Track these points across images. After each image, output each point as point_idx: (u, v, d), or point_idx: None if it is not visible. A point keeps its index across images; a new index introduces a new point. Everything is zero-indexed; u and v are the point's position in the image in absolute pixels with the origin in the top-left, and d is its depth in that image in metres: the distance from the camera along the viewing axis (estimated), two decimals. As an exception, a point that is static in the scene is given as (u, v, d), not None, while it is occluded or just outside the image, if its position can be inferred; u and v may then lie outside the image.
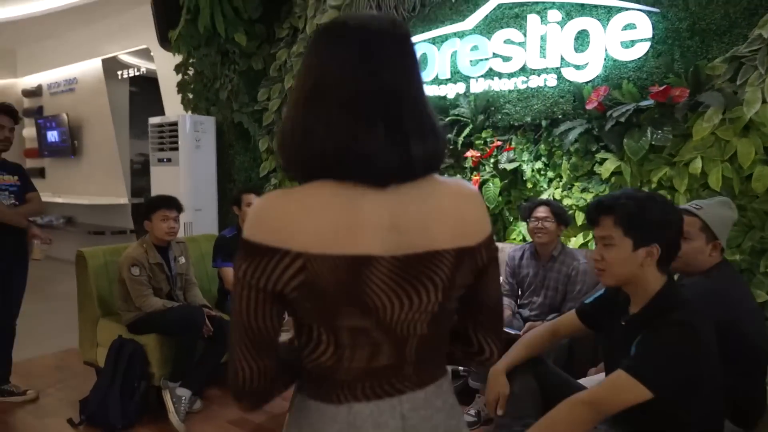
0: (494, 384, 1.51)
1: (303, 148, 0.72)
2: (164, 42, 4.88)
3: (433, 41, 3.76)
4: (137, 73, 6.83)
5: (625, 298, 1.43)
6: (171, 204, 2.77)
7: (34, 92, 8.02)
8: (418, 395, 0.77)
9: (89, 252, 2.99)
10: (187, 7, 4.42)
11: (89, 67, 7.09)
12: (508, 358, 1.54)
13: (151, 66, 6.51)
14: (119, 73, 6.94)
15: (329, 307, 0.70)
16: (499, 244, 3.37)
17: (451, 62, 3.68)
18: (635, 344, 1.29)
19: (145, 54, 6.48)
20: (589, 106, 3.08)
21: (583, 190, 3.24)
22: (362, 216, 0.70)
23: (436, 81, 3.76)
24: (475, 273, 0.78)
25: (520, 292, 2.83)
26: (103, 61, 6.84)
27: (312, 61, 0.75)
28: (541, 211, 2.76)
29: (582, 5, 3.19)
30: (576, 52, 3.22)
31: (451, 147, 3.68)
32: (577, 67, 3.22)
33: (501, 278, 2.87)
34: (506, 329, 2.59)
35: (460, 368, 2.68)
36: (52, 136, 7.57)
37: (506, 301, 2.77)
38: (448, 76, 3.70)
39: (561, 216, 2.76)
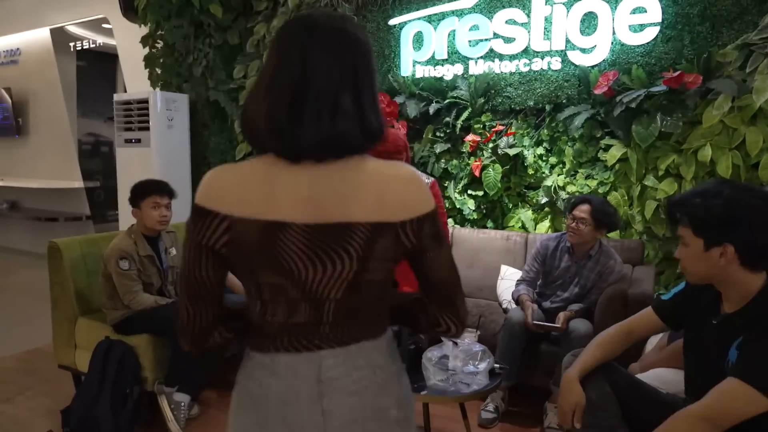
0: (568, 393, 1.40)
1: (243, 124, 0.85)
2: (128, 11, 4.48)
3: (429, 19, 3.58)
4: (91, 46, 6.29)
5: (714, 295, 1.35)
6: (162, 190, 2.51)
7: (-31, 64, 7.29)
8: (338, 352, 0.85)
9: (64, 243, 2.68)
10: (157, -26, 4.05)
11: (35, 37, 6.48)
12: (580, 363, 1.43)
13: (106, 39, 6.01)
14: (71, 45, 6.37)
15: (251, 265, 0.82)
16: (505, 233, 3.28)
17: (449, 42, 3.52)
18: (737, 347, 1.20)
19: (96, 25, 5.96)
20: (597, 91, 3.01)
21: (587, 177, 3.18)
22: (280, 187, 0.80)
23: (432, 61, 3.60)
24: (404, 251, 0.85)
25: (541, 281, 2.73)
26: (51, 31, 6.26)
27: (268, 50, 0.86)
28: (581, 211, 2.56)
29: (590, -14, 3.10)
30: (582, 34, 3.13)
31: (448, 131, 3.54)
32: (584, 51, 3.14)
33: (526, 265, 2.76)
34: (540, 322, 2.48)
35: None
36: (-9, 113, 6.91)
37: (524, 289, 2.67)
38: (446, 56, 3.55)
39: (602, 220, 2.53)
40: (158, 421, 2.40)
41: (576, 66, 3.16)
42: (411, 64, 3.67)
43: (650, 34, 2.96)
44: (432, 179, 2.61)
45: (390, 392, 0.89)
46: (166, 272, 2.58)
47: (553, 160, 3.29)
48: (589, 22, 3.11)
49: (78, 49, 6.38)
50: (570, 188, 3.21)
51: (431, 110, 3.54)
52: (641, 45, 3.00)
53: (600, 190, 3.13)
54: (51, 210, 6.42)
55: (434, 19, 3.57)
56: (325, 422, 0.85)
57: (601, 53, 3.09)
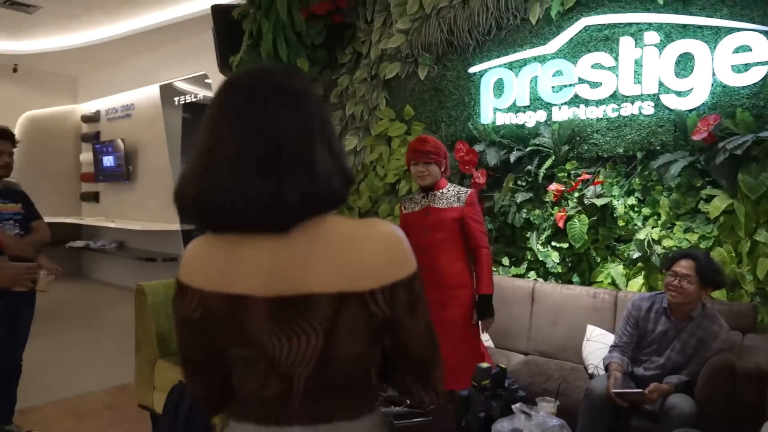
0: None
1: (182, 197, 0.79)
2: (224, 68, 4.80)
3: (510, 66, 3.52)
4: (193, 100, 6.82)
5: None
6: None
7: (92, 118, 8.17)
8: (307, 430, 0.79)
9: (149, 286, 2.82)
10: (250, 33, 4.33)
11: (147, 94, 7.15)
12: None
13: (208, 93, 6.50)
14: (176, 99, 6.96)
15: (222, 337, 0.80)
16: (591, 289, 3.04)
17: (531, 88, 3.42)
18: None
19: (201, 80, 6.47)
20: (695, 137, 2.76)
21: (687, 231, 2.89)
22: (242, 259, 0.77)
23: (513, 108, 3.50)
24: (378, 322, 0.77)
25: (637, 345, 2.46)
26: (161, 87, 6.88)
27: (205, 115, 0.81)
28: (683, 267, 2.30)
29: (684, 26, 2.90)
30: (677, 77, 2.92)
31: (530, 179, 3.40)
32: (679, 94, 2.91)
33: (618, 329, 2.52)
34: (619, 390, 2.24)
35: None
36: (108, 161, 7.64)
37: (617, 357, 2.40)
38: (527, 103, 3.44)
39: (708, 276, 2.27)
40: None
41: (671, 110, 2.94)
42: (492, 111, 3.60)
43: (757, 74, 2.69)
44: (470, 189, 2.58)
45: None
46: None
47: (646, 211, 3.03)
48: (684, 63, 2.90)
49: (182, 102, 6.94)
50: (666, 242, 2.93)
51: (512, 158, 3.43)
52: (746, 86, 2.73)
53: (702, 245, 2.83)
54: (152, 250, 6.89)
55: (515, 66, 3.50)
56: None
57: (699, 96, 2.85)
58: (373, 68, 4.16)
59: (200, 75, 6.24)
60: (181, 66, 6.49)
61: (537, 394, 2.24)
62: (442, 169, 2.54)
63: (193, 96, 6.82)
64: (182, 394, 2.46)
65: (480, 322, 2.54)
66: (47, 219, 3.00)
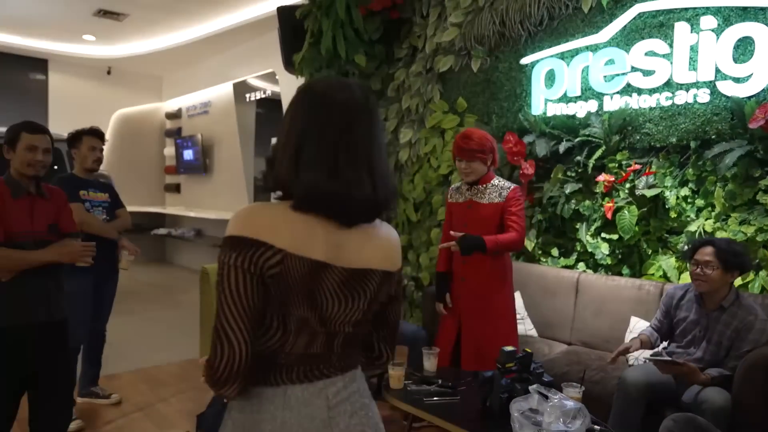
0: None
1: (297, 181, 0.91)
2: (288, 65, 5.07)
3: (562, 56, 3.49)
4: (263, 96, 7.19)
5: None
6: None
7: (175, 115, 8.80)
8: (339, 380, 0.97)
9: (212, 267, 3.08)
10: (311, 31, 4.55)
11: (222, 92, 7.62)
12: None
13: (276, 88, 6.83)
14: (247, 96, 7.36)
15: (288, 296, 0.89)
16: (637, 281, 2.99)
17: (582, 78, 3.39)
18: None
19: (270, 77, 6.82)
20: (752, 125, 2.65)
21: (743, 222, 2.78)
22: (319, 235, 0.91)
23: (564, 99, 3.48)
24: (389, 295, 1.03)
25: (672, 337, 2.44)
26: (234, 85, 7.31)
27: (297, 114, 0.96)
28: (704, 254, 2.28)
29: (744, 9, 2.78)
30: (735, 62, 2.80)
31: (579, 170, 3.37)
32: (737, 80, 2.80)
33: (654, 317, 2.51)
34: (657, 358, 2.20)
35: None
36: (188, 154, 8.22)
37: (647, 330, 2.42)
38: (578, 93, 3.41)
39: (730, 261, 2.24)
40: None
41: (728, 98, 2.83)
42: (542, 102, 3.59)
43: (823, 58, 2.54)
44: (514, 185, 2.55)
45: (374, 411, 1.04)
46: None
47: (700, 202, 2.94)
48: (743, 48, 2.78)
49: (252, 99, 7.33)
50: (720, 234, 2.83)
51: (561, 149, 3.41)
52: (811, 71, 2.58)
53: (759, 238, 2.71)
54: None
55: (567, 56, 3.47)
56: None
57: (758, 82, 2.73)
58: (428, 62, 4.25)
59: (269, 72, 6.57)
60: (251, 64, 6.87)
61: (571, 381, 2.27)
62: (489, 164, 2.53)
63: (263, 92, 7.19)
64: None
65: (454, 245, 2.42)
66: (135, 208, 3.39)
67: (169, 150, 8.83)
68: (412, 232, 4.37)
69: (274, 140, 3.98)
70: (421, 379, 2.32)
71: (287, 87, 5.93)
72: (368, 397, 1.03)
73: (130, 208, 3.33)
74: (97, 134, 3.02)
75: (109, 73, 8.74)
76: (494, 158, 2.55)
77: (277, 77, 6.42)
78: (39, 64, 8.18)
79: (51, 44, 7.75)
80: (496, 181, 2.55)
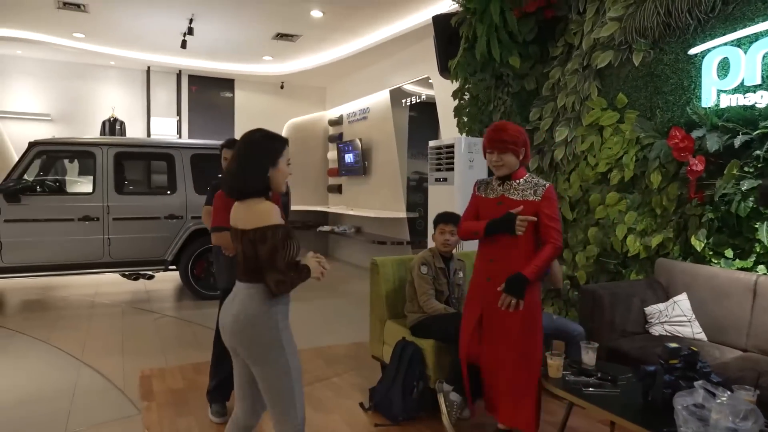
0: None
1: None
2: (443, 71, 5.32)
3: (738, 43, 3.26)
4: (418, 100, 7.56)
5: None
6: (449, 219, 3.07)
7: (337, 121, 9.59)
8: (239, 285, 1.81)
9: (381, 260, 3.44)
10: (466, 37, 4.74)
11: (379, 98, 8.15)
12: None
13: (431, 92, 7.15)
14: (403, 101, 7.79)
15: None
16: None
17: (763, 66, 3.14)
18: None
19: (424, 83, 7.15)
20: None
21: None
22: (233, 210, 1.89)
23: (741, 89, 3.24)
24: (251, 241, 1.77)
25: None
26: (391, 91, 7.78)
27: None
28: None
29: None
30: None
31: (759, 165, 3.13)
32: None
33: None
34: None
35: None
36: (349, 158, 8.91)
37: None
38: (758, 81, 3.16)
39: None
40: (436, 412, 2.86)
41: None
42: (714, 93, 3.38)
43: None
44: (548, 183, 2.42)
45: (236, 310, 1.79)
46: (452, 286, 3.10)
47: None
48: None
49: (408, 104, 7.74)
50: None
51: (737, 143, 3.19)
52: None
53: None
54: (382, 235, 7.87)
55: (744, 42, 3.23)
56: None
57: None
58: (584, 58, 4.20)
59: (424, 78, 6.91)
60: (407, 71, 7.26)
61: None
62: (521, 158, 2.38)
63: (417, 97, 7.56)
64: (405, 347, 3.01)
65: (503, 294, 2.31)
66: (302, 207, 3.90)
67: (332, 154, 9.65)
68: (568, 230, 4.35)
69: (432, 142, 4.35)
70: (580, 371, 2.39)
71: (441, 91, 6.20)
72: (245, 304, 1.77)
73: (298, 208, 3.83)
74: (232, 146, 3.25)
75: (282, 87, 9.82)
76: (527, 152, 2.40)
77: (431, 81, 6.72)
78: (227, 84, 9.49)
79: (237, 66, 8.95)
80: (529, 177, 2.41)
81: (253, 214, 1.76)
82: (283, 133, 9.54)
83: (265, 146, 1.79)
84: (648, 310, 3.26)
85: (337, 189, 9.59)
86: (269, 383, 1.77)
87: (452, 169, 4.81)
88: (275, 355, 1.76)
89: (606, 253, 4.00)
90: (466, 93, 5.26)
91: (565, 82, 4.35)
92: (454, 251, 3.20)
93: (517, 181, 2.38)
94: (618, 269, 3.93)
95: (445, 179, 4.91)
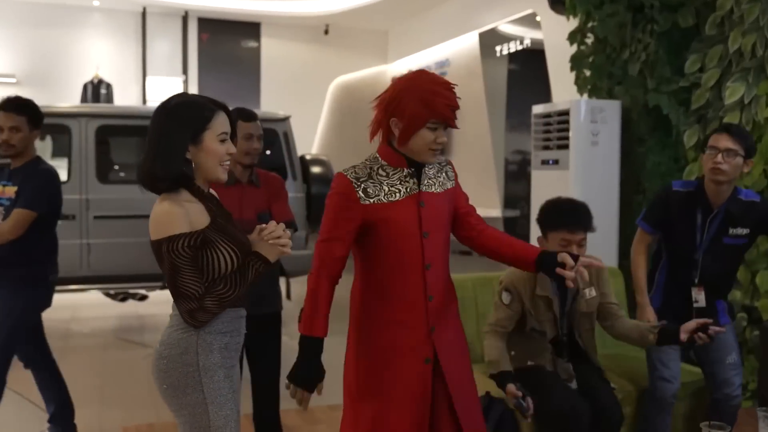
0: None
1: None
2: (555, 3, 5.20)
3: None
4: (519, 47, 7.44)
5: None
6: (577, 224, 2.73)
7: (404, 79, 9.60)
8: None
9: (458, 279, 3.38)
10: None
11: (464, 45, 8.09)
12: None
13: (538, 35, 7.01)
14: (498, 48, 7.69)
15: None
16: None
17: None
18: None
19: (529, 21, 7.02)
20: None
21: None
22: None
23: None
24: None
25: None
26: (480, 35, 7.71)
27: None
28: None
29: None
30: None
31: None
32: None
33: None
34: None
35: None
36: (420, 131, 8.89)
37: None
38: None
39: None
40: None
41: None
42: None
43: None
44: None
45: (164, 341, 1.84)
46: (561, 323, 2.93)
47: None
48: None
49: (504, 53, 7.63)
50: None
51: None
52: None
53: None
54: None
55: None
56: None
57: None
58: None
59: (528, 14, 6.79)
60: (503, 5, 7.17)
61: None
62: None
63: (519, 42, 7.45)
64: (489, 407, 2.96)
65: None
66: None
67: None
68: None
69: (537, 107, 4.19)
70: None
71: (553, 33, 6.07)
72: (170, 326, 1.85)
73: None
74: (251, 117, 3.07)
75: (326, 32, 9.97)
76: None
77: (538, 19, 6.60)
78: (251, 29, 9.74)
79: (264, 3, 9.16)
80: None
81: (152, 218, 1.76)
82: (328, 96, 9.68)
83: (181, 115, 1.78)
84: None
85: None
86: None
87: (567, 147, 4.69)
88: (189, 402, 1.80)
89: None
90: (590, 35, 5.13)
91: (740, 14, 4.15)
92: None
93: (428, 166, 2.20)
94: (822, 298, 3.71)
95: (556, 161, 4.79)
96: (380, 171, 2.15)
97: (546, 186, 4.89)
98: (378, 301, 2.13)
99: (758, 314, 4.01)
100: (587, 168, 4.67)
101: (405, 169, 2.14)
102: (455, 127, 2.07)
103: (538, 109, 5.01)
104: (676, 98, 4.49)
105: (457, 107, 2.07)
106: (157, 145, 1.77)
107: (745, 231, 2.82)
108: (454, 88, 2.09)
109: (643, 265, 3.05)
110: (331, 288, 2.09)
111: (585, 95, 5.16)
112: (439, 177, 2.22)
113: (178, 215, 1.72)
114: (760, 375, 3.36)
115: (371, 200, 2.09)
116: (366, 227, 2.08)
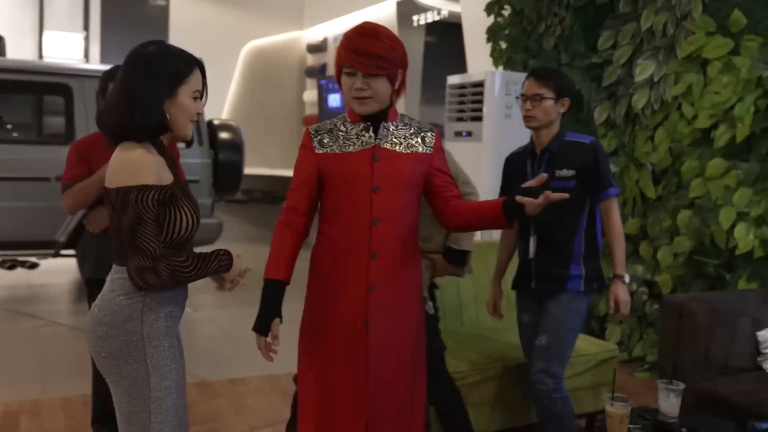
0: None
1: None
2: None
3: None
4: (437, 18, 7.40)
5: None
6: None
7: (319, 47, 9.45)
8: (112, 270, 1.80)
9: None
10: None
11: (381, 14, 8.00)
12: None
13: (455, 7, 6.98)
14: (415, 18, 7.64)
15: None
16: None
17: None
18: None
19: (447, -9, 6.99)
20: None
21: None
22: None
23: None
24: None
25: None
26: (398, 4, 7.63)
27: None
28: None
29: None
30: None
31: None
32: None
33: None
34: None
35: None
36: (334, 100, 8.78)
37: None
38: None
39: None
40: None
41: None
42: None
43: None
44: (434, 128, 2.30)
45: (103, 299, 1.76)
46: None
47: None
48: None
49: (423, 23, 7.59)
50: None
51: None
52: None
53: None
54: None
55: None
56: None
57: None
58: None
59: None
60: (423, -27, 7.09)
61: None
62: (396, 86, 2.16)
63: (436, 13, 7.41)
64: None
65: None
66: (264, 171, 3.75)
67: (310, 94, 9.53)
68: (648, 213, 4.24)
69: (452, 78, 4.11)
70: (655, 425, 2.32)
71: (471, 4, 6.04)
72: (101, 293, 1.77)
73: (256, 172, 3.70)
74: None
75: (239, -7, 9.65)
76: (404, 78, 2.18)
77: (457, -11, 6.56)
78: (159, -15, 9.33)
79: (174, -41, 8.78)
80: (405, 117, 2.25)
81: (118, 164, 1.71)
82: (240, 62, 9.41)
83: (160, 65, 1.73)
84: (763, 335, 3.18)
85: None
86: (119, 409, 1.77)
87: (480, 119, 4.68)
88: (129, 372, 1.74)
89: (703, 249, 3.92)
90: (506, 7, 5.13)
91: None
92: None
93: (394, 123, 2.18)
94: (720, 273, 3.87)
95: (469, 133, 4.78)
96: (341, 126, 2.19)
97: (459, 158, 4.84)
98: (327, 255, 2.16)
99: (659, 289, 4.13)
100: (501, 140, 4.67)
101: (362, 124, 2.14)
102: (366, 71, 2.02)
103: (453, 79, 4.98)
104: (588, 74, 4.55)
105: (364, 51, 2.03)
106: (133, 93, 1.70)
107: (570, 173, 2.69)
108: (378, 35, 2.06)
109: (505, 242, 3.08)
110: (293, 237, 2.12)
111: (500, 68, 5.17)
112: (411, 139, 2.18)
113: (150, 165, 1.68)
114: (660, 348, 3.46)
115: (325, 149, 2.15)
116: (322, 179, 2.14)
